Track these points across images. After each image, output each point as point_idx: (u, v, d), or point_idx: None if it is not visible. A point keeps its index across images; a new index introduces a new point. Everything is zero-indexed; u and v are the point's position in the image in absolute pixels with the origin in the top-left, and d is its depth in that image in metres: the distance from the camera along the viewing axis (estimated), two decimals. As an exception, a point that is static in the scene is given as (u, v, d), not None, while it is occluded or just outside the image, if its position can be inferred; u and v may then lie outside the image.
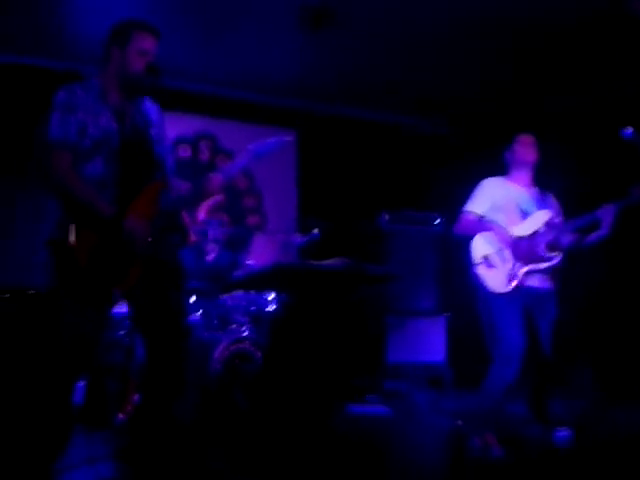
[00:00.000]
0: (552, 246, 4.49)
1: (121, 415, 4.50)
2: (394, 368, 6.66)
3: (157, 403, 3.03)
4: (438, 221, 7.18)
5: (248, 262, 5.85)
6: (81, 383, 4.63)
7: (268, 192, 7.86)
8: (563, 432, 4.43)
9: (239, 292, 5.52)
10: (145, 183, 3.01)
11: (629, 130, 3.82)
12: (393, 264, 6.87)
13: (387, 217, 7.09)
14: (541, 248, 4.49)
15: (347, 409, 5.56)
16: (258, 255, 6.82)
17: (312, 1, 5.81)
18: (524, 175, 4.73)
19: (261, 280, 4.14)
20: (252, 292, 5.52)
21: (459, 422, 5.27)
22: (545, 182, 4.81)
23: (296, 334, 4.89)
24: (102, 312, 3.02)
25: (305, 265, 4.16)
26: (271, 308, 5.54)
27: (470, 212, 4.72)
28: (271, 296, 5.55)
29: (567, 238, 4.50)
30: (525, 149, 4.71)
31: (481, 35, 6.34)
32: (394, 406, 5.47)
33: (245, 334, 5.07)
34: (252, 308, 5.50)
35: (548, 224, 4.54)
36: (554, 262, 4.50)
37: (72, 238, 2.89)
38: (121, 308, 3.39)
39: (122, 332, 4.97)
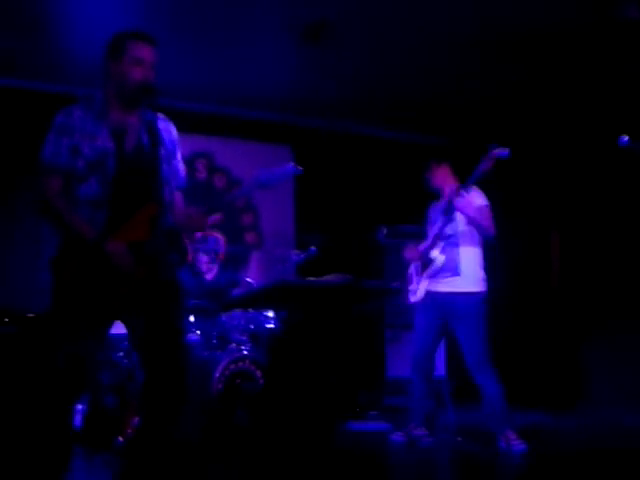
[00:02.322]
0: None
1: (121, 438, 4.47)
2: (394, 383, 6.63)
3: (158, 425, 3.00)
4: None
5: (247, 279, 5.84)
6: (80, 406, 4.60)
7: (265, 209, 7.85)
8: (519, 445, 4.54)
9: (238, 310, 5.50)
10: (143, 203, 3.00)
11: (625, 138, 3.82)
12: (391, 278, 6.86)
13: (385, 231, 7.08)
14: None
15: (348, 425, 5.53)
16: (256, 272, 6.82)
17: (309, 16, 5.83)
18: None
19: (262, 298, 4.13)
20: (251, 310, 5.50)
21: (459, 438, 5.27)
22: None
23: (296, 351, 4.88)
24: (97, 333, 3.01)
25: (305, 282, 4.14)
26: (270, 326, 5.52)
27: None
28: (270, 314, 5.53)
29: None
30: (434, 178, 5.10)
31: (481, 51, 6.38)
32: (394, 422, 5.45)
33: (245, 353, 5.05)
34: (251, 326, 5.48)
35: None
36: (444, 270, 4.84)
37: (64, 258, 2.90)
38: (120, 329, 3.37)
39: (121, 353, 4.95)
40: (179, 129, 3.24)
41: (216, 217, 3.66)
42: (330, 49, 6.23)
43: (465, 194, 4.72)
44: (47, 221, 2.99)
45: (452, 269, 4.86)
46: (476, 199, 4.85)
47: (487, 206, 4.88)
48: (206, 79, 6.97)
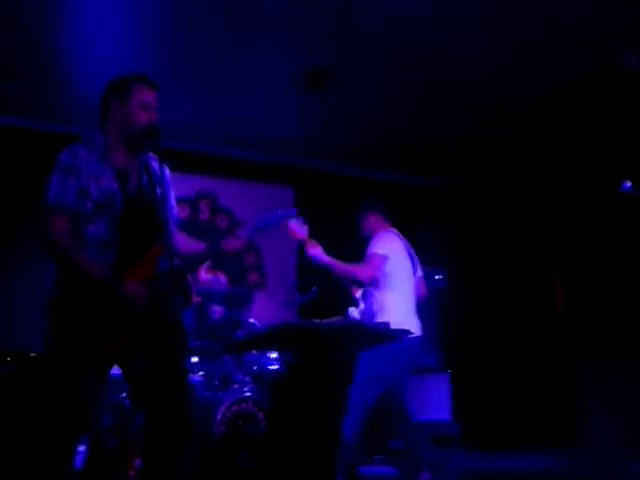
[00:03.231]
0: None
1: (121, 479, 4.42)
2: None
3: (161, 467, 2.96)
4: (439, 277, 7.16)
5: (250, 320, 5.82)
6: (82, 447, 4.56)
7: (267, 249, 7.85)
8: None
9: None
10: (148, 244, 3.00)
11: (628, 184, 3.84)
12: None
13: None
14: None
15: (355, 470, 5.46)
16: (259, 313, 6.79)
17: (313, 62, 5.91)
18: None
19: (265, 340, 4.10)
20: (254, 351, 5.47)
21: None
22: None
23: (299, 394, 4.83)
24: (98, 375, 2.99)
25: (310, 324, 4.12)
26: (274, 367, 5.48)
27: None
28: (273, 355, 5.50)
29: None
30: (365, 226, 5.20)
31: (481, 109, 6.48)
32: (401, 466, 5.37)
33: (247, 394, 5.01)
34: (254, 367, 5.45)
35: None
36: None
37: (67, 299, 2.89)
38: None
39: (123, 394, 4.91)
40: (183, 169, 3.28)
41: None
42: (333, 94, 6.30)
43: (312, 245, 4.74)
44: (55, 261, 2.98)
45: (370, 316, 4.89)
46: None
47: (371, 254, 4.86)
48: (210, 121, 7.04)
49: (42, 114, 6.77)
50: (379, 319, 4.78)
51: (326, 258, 4.78)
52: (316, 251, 4.76)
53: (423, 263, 6.44)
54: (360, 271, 4.81)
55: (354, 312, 5.02)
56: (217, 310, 5.82)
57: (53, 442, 2.90)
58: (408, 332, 4.66)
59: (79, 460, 4.51)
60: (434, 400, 6.75)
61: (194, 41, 5.67)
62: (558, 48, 5.66)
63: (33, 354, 4.72)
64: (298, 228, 4.69)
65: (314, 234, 7.67)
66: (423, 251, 7.90)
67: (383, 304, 4.83)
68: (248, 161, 7.88)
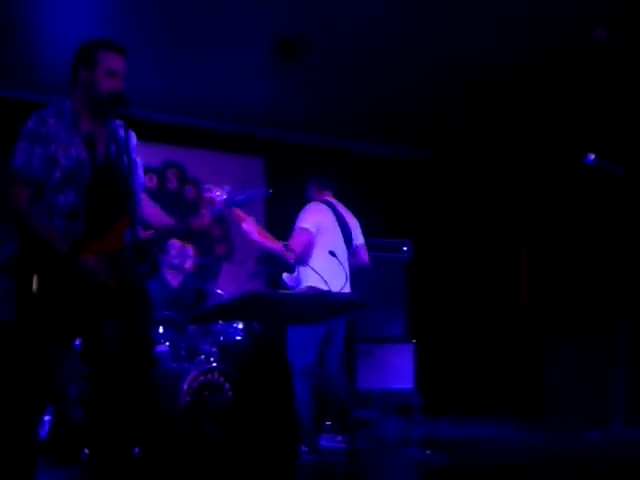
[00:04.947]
0: None
1: (87, 449, 4.42)
2: (363, 396, 6.63)
3: (123, 439, 2.97)
4: (406, 248, 7.20)
5: (217, 291, 5.82)
6: (47, 417, 4.55)
7: (235, 220, 7.80)
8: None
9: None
10: (117, 213, 2.98)
11: (591, 156, 3.88)
12: (361, 291, 6.86)
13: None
14: None
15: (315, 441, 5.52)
16: (226, 285, 6.79)
17: (286, 32, 5.86)
18: None
19: (232, 310, 4.11)
20: (220, 322, 5.48)
21: (428, 451, 5.28)
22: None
23: (265, 364, 4.85)
24: (60, 344, 2.98)
25: (277, 294, 4.14)
26: (240, 338, 5.50)
27: None
28: (240, 326, 5.51)
29: None
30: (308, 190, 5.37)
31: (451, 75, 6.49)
32: (363, 435, 5.45)
33: (214, 365, 5.02)
34: (221, 338, 5.46)
35: None
36: None
37: (28, 266, 2.88)
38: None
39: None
40: (152, 139, 3.26)
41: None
42: (305, 64, 6.25)
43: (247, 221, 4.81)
44: (17, 230, 2.96)
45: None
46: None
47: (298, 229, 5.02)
48: (179, 90, 6.95)
49: (8, 81, 6.65)
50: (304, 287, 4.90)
51: (256, 235, 4.81)
52: (249, 227, 4.79)
53: (390, 235, 6.48)
54: (285, 252, 4.86)
55: (287, 278, 5.10)
56: (175, 275, 5.85)
57: (18, 411, 2.90)
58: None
59: (44, 430, 4.51)
60: (398, 370, 6.83)
61: (163, 7, 5.57)
62: (526, 23, 5.66)
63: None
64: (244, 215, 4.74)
65: (284, 205, 7.69)
66: (390, 222, 8.00)
67: (307, 272, 4.91)
68: (218, 131, 7.81)
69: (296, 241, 4.92)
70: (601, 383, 6.85)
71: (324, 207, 5.15)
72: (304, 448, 4.83)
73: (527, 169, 7.93)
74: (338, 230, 5.13)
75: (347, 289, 4.94)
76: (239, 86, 6.85)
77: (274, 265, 5.12)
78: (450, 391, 7.64)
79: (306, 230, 4.96)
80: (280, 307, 3.93)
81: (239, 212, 4.64)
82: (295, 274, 5.06)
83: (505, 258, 8.34)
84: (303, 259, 4.92)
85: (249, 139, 7.93)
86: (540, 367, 7.65)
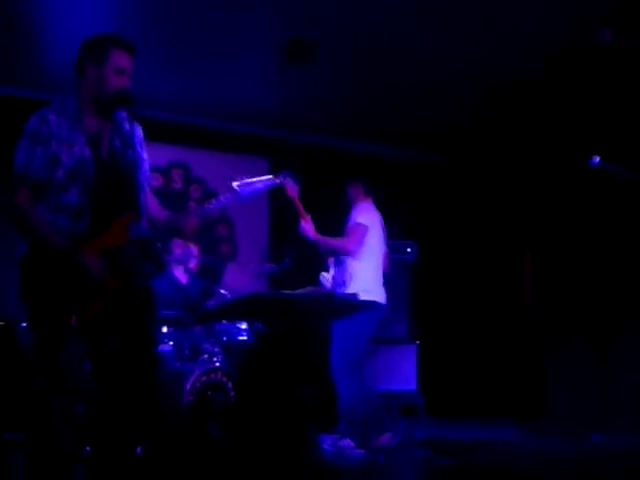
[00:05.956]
0: None
1: (89, 447, 4.42)
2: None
3: (126, 439, 2.96)
4: (411, 250, 7.20)
5: (221, 291, 5.82)
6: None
7: (240, 221, 7.83)
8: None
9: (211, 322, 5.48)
10: (122, 210, 2.97)
11: (596, 159, 3.88)
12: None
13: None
14: None
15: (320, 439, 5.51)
16: (230, 284, 6.79)
17: (293, 34, 5.86)
18: None
19: (236, 310, 4.12)
20: (224, 322, 5.48)
21: (431, 452, 5.27)
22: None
23: (268, 364, 4.86)
24: (73, 340, 2.98)
25: (280, 295, 4.15)
26: (243, 338, 5.50)
27: None
28: (243, 326, 5.51)
29: None
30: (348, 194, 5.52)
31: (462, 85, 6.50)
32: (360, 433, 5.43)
33: (217, 364, 5.02)
34: (224, 338, 5.46)
35: None
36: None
37: (36, 262, 2.88)
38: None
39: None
40: (157, 139, 3.23)
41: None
42: (312, 67, 6.25)
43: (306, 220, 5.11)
44: (19, 230, 2.97)
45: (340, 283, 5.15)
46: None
47: (355, 224, 5.18)
48: (185, 90, 6.96)
49: (12, 80, 6.66)
50: (349, 287, 5.01)
51: (312, 234, 5.09)
52: (307, 227, 5.09)
53: (395, 236, 6.48)
54: (346, 245, 5.12)
55: (326, 276, 5.30)
56: (182, 274, 5.87)
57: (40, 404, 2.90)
58: (375, 302, 4.81)
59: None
60: (401, 371, 6.82)
61: (171, 6, 5.58)
62: (534, 27, 5.66)
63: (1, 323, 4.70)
64: (292, 187, 5.00)
65: (288, 205, 7.70)
66: (395, 224, 7.99)
67: (354, 273, 5.07)
68: (223, 132, 7.82)
69: (356, 237, 5.14)
70: (602, 387, 6.85)
71: (374, 208, 5.40)
72: (350, 443, 4.85)
73: (533, 173, 7.93)
74: (381, 233, 5.36)
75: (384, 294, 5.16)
76: (245, 87, 6.86)
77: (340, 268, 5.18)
78: (452, 393, 7.63)
79: (364, 225, 5.17)
80: (283, 308, 3.94)
81: (302, 208, 5.00)
82: (332, 273, 5.24)
83: (509, 262, 8.34)
84: (360, 255, 5.12)
85: (254, 139, 7.93)
86: (541, 370, 7.65)
